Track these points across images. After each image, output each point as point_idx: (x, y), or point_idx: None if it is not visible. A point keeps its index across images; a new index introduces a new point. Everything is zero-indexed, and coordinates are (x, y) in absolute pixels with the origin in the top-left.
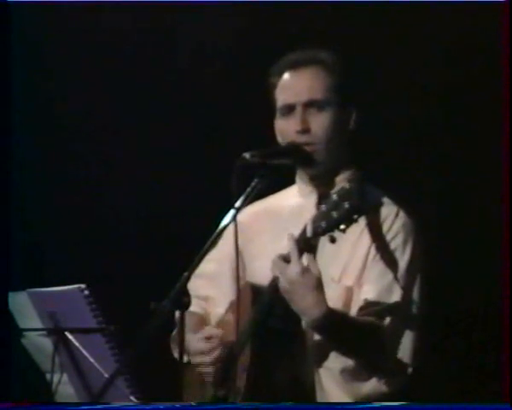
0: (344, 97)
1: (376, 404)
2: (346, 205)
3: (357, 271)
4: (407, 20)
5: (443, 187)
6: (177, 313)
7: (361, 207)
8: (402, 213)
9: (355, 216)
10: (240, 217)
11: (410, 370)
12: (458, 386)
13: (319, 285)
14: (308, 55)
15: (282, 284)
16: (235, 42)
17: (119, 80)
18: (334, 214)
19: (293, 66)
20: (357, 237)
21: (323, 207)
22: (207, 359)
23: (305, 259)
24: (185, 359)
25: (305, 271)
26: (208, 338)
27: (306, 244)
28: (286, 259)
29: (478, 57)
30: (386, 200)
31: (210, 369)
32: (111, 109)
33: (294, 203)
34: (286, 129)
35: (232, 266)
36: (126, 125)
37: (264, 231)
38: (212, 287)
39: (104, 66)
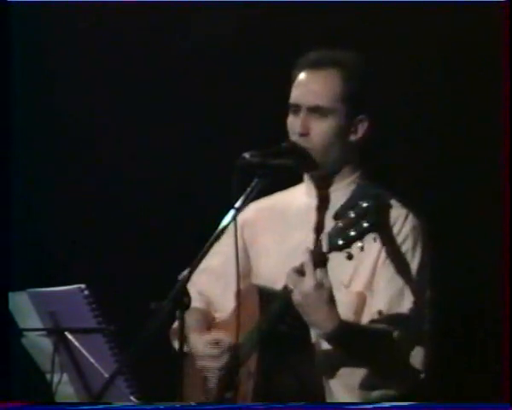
0: (355, 107)
1: (378, 404)
2: (365, 224)
3: (367, 276)
4: (405, 21)
5: (451, 189)
6: (178, 312)
7: (380, 225)
8: (411, 217)
9: (374, 236)
10: (246, 214)
11: (422, 375)
12: (458, 386)
13: (332, 299)
14: (328, 56)
15: (296, 296)
16: (235, 41)
17: (119, 80)
18: (352, 232)
19: (312, 65)
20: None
21: (340, 223)
22: (215, 364)
23: (319, 273)
24: (185, 349)
25: (319, 285)
26: (216, 343)
27: (321, 258)
28: (300, 272)
29: (478, 57)
30: (395, 203)
31: (216, 373)
32: (111, 109)
33: (301, 202)
34: (291, 126)
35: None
36: (127, 126)
37: (269, 229)
38: (217, 285)
39: (104, 65)
